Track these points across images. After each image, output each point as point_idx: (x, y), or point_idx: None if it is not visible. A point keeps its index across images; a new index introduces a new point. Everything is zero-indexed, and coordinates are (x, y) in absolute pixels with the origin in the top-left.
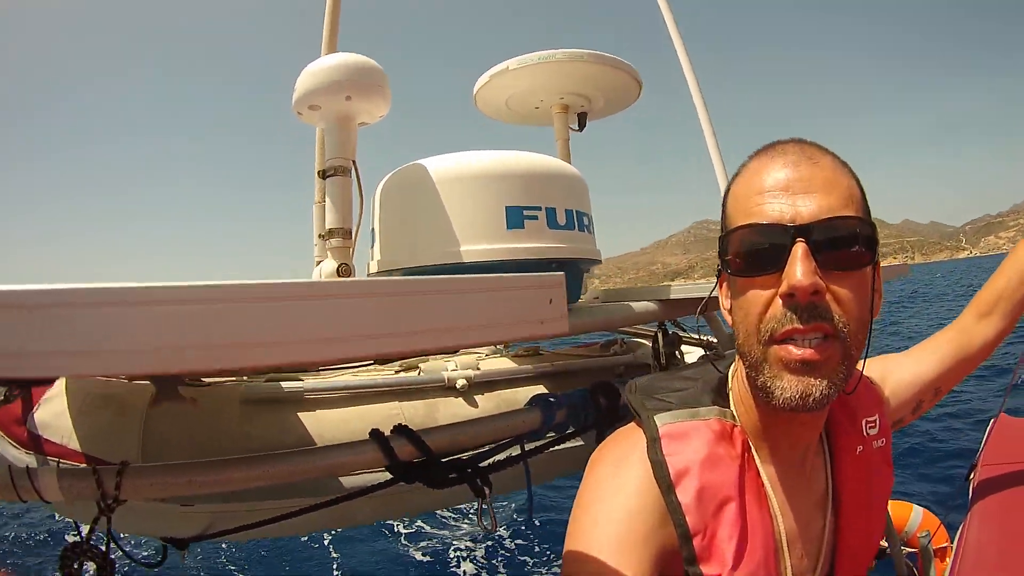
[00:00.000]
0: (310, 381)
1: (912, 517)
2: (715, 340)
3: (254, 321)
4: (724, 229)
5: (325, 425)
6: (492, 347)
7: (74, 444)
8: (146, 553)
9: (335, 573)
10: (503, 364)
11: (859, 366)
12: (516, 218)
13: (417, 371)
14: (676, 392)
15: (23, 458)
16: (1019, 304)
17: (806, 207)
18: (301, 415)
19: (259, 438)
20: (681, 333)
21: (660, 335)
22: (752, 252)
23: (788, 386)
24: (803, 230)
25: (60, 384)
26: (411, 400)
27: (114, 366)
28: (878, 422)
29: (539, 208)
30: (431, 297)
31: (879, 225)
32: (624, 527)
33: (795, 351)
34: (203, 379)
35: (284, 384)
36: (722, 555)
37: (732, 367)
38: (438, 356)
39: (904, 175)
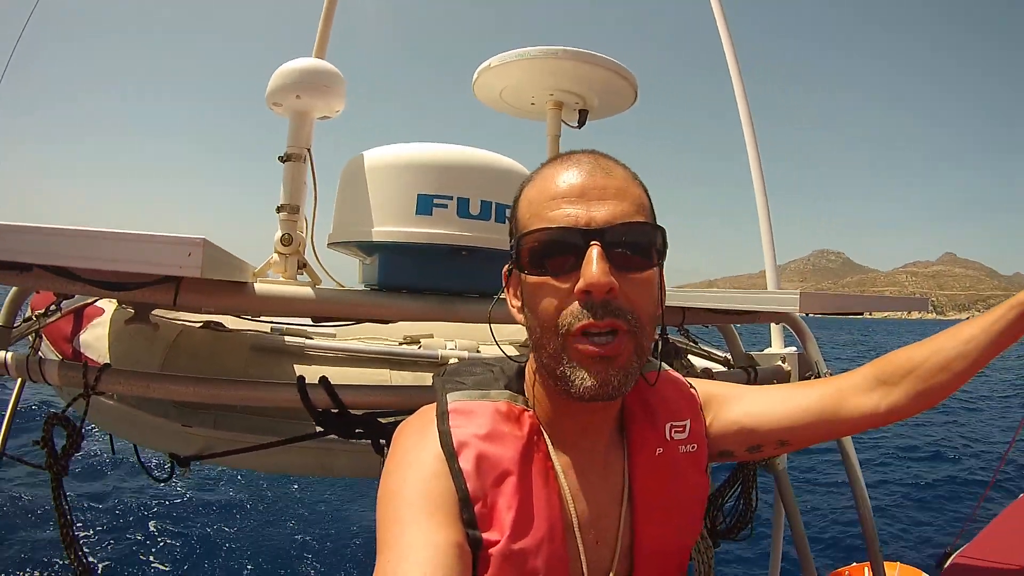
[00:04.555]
0: (317, 340)
1: None
2: (728, 355)
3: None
4: (516, 231)
5: (314, 379)
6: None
7: (106, 361)
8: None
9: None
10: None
11: (673, 368)
12: (425, 205)
13: (418, 345)
14: (473, 376)
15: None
16: (932, 390)
17: (600, 213)
18: (298, 367)
19: (258, 380)
20: (690, 344)
21: (659, 344)
22: (549, 253)
23: (587, 376)
24: (597, 233)
25: (108, 313)
26: (402, 371)
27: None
28: (688, 427)
29: (450, 197)
30: (104, 239)
31: (991, 275)
32: (429, 486)
33: (592, 346)
34: (223, 325)
35: (288, 339)
36: (501, 522)
37: (529, 360)
38: (443, 336)
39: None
